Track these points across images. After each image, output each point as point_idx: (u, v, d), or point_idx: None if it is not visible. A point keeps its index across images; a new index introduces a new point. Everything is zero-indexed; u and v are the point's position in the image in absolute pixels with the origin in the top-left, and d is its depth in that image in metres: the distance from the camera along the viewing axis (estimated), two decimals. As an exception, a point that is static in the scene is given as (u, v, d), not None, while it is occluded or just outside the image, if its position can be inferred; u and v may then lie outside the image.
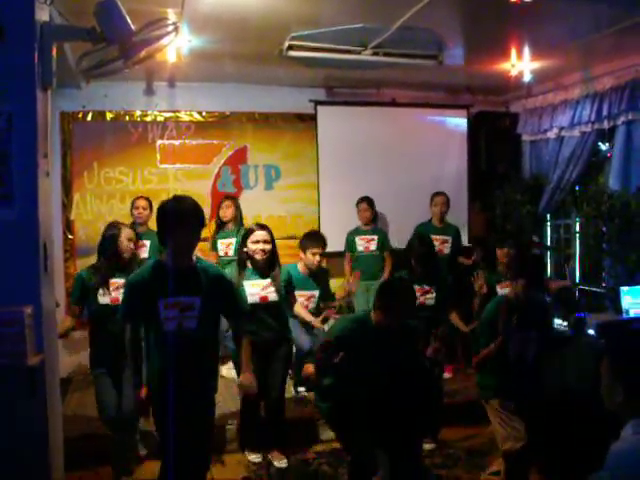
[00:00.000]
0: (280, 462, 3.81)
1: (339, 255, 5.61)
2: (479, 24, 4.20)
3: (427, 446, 3.91)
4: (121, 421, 3.36)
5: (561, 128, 5.70)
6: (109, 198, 5.63)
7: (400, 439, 3.04)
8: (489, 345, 3.27)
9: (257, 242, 3.61)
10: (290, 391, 4.45)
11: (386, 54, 4.67)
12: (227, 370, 4.85)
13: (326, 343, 3.02)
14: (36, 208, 2.44)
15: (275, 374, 3.76)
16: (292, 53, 4.50)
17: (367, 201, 5.55)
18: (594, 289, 5.58)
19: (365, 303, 5.20)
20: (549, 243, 6.39)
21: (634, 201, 4.76)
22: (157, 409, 2.72)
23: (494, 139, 6.38)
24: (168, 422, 2.58)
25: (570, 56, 4.90)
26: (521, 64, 4.91)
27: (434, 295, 4.23)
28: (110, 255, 3.42)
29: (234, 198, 5.43)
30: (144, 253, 4.82)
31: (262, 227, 3.69)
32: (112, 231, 3.43)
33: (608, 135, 5.36)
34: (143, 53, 2.67)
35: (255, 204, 5.93)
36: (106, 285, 3.39)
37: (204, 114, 5.85)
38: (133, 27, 2.60)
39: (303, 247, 4.23)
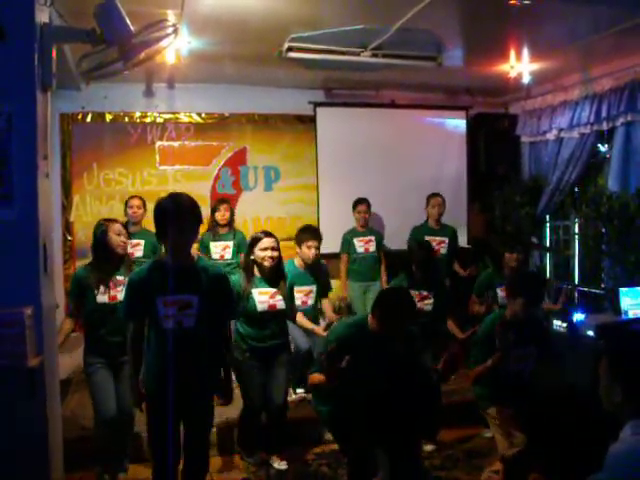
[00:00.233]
0: (280, 464, 3.81)
1: (338, 256, 5.58)
2: (478, 25, 4.20)
3: (426, 447, 3.90)
4: (120, 421, 3.35)
5: (560, 129, 5.71)
6: (108, 199, 5.63)
7: (400, 440, 3.04)
8: (485, 360, 3.27)
9: (265, 249, 3.57)
10: (289, 393, 4.44)
11: (385, 56, 4.67)
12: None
13: (331, 350, 2.99)
14: (36, 209, 2.45)
15: (277, 380, 3.74)
16: (291, 54, 4.50)
17: (366, 203, 5.47)
18: (593, 290, 5.58)
19: (362, 305, 5.20)
20: (548, 244, 6.39)
21: (633, 202, 4.76)
22: (153, 407, 2.72)
23: (493, 140, 6.40)
24: (167, 421, 2.58)
25: (569, 57, 4.90)
26: (520, 65, 4.92)
27: (432, 301, 4.24)
28: (103, 252, 3.43)
29: (229, 201, 5.42)
30: (138, 252, 4.82)
31: (269, 234, 3.66)
32: (101, 229, 3.44)
33: (607, 136, 5.37)
34: (143, 55, 2.68)
35: (254, 205, 5.95)
36: (104, 283, 3.39)
37: (203, 115, 5.85)
38: (133, 29, 2.61)
39: (298, 241, 4.23)
